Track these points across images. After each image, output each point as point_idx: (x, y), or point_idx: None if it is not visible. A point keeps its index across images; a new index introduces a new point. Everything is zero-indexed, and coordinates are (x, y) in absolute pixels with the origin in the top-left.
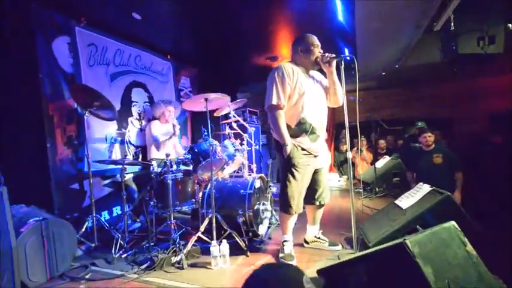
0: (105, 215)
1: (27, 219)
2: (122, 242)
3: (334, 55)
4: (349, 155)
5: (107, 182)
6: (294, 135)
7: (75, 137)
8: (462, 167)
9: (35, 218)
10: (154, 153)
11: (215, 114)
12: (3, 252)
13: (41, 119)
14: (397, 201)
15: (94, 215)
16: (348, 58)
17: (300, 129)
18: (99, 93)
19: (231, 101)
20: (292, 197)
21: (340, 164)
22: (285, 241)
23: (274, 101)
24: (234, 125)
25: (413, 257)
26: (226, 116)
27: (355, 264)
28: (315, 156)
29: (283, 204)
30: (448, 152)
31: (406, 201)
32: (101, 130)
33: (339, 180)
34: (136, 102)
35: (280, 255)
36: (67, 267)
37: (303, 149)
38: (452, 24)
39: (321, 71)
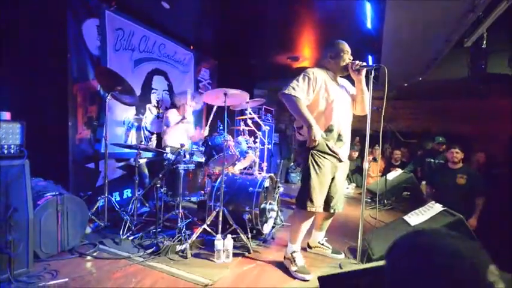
0: (116, 196)
1: (44, 193)
2: (130, 225)
3: (364, 63)
4: (366, 165)
5: (120, 164)
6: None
7: (95, 118)
8: (484, 193)
9: (52, 192)
10: (169, 141)
11: (232, 108)
12: (21, 222)
13: (65, 97)
14: (406, 217)
15: (106, 195)
16: (377, 68)
17: (328, 136)
18: (123, 77)
19: (249, 98)
20: (314, 191)
21: (351, 172)
22: (294, 252)
23: (290, 91)
24: (249, 122)
25: None
26: (242, 112)
27: (358, 276)
28: (340, 161)
29: (302, 198)
30: (474, 174)
31: (415, 218)
32: (120, 114)
33: (347, 188)
34: (156, 89)
35: (293, 268)
36: (77, 242)
37: (330, 149)
38: (484, 42)
39: (348, 77)
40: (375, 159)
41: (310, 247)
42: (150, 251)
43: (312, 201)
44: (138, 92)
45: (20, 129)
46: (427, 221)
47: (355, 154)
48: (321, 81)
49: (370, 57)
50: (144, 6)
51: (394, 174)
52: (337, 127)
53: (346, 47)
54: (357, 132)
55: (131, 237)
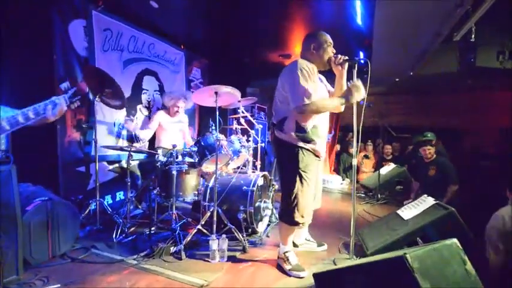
0: (108, 199)
1: (33, 198)
2: (123, 228)
3: (347, 57)
4: (355, 161)
5: (112, 167)
6: (308, 139)
7: (84, 121)
8: (455, 181)
9: (41, 197)
10: (161, 142)
11: (223, 107)
12: (10, 229)
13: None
14: (399, 211)
15: (98, 198)
16: (362, 62)
17: (314, 133)
18: (112, 79)
19: (241, 97)
20: (305, 207)
21: (348, 168)
22: (286, 252)
23: (306, 100)
24: (242, 121)
25: (412, 272)
26: (235, 111)
27: (352, 272)
28: (319, 160)
29: (290, 215)
30: (444, 164)
31: (408, 211)
32: (110, 116)
33: (341, 183)
34: (147, 90)
35: (287, 267)
36: (69, 247)
37: (315, 155)
38: (473, 35)
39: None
40: (366, 156)
41: (296, 245)
42: (144, 253)
43: (302, 216)
44: (128, 93)
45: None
46: (420, 215)
47: (352, 150)
48: (315, 76)
49: (361, 52)
50: (132, 6)
51: (387, 168)
52: (321, 124)
53: (329, 38)
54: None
55: (124, 240)
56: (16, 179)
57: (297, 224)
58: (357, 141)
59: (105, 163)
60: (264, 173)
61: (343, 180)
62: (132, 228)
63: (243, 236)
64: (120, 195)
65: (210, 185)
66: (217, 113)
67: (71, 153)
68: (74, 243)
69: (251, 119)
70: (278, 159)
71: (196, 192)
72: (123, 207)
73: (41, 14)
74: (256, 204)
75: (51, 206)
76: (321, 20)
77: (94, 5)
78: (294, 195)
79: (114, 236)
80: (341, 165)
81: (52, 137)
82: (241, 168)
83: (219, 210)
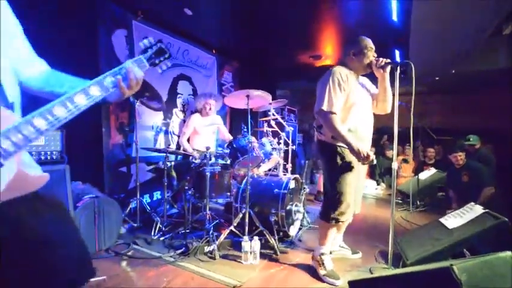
0: (146, 198)
1: (82, 196)
2: (160, 226)
3: (389, 60)
4: (395, 165)
5: (150, 167)
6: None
7: (126, 124)
8: (490, 183)
9: (89, 195)
10: (195, 144)
11: (254, 109)
12: None
13: (98, 105)
14: (442, 220)
15: (138, 197)
16: (404, 64)
17: (353, 134)
18: (150, 84)
19: (272, 99)
20: (345, 205)
21: (384, 172)
22: (322, 254)
23: (325, 107)
24: (273, 123)
25: (459, 285)
26: (265, 113)
27: (391, 282)
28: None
29: (331, 212)
30: (476, 168)
31: (453, 220)
32: (149, 119)
33: (376, 188)
34: (182, 94)
35: (322, 272)
36: (113, 242)
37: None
38: None
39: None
40: (405, 160)
41: (330, 252)
42: (180, 251)
43: (342, 212)
44: (164, 97)
45: (60, 136)
46: (467, 224)
47: (390, 153)
48: (351, 82)
49: (398, 51)
50: (168, 14)
51: (427, 173)
52: (359, 129)
53: (370, 43)
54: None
55: (162, 238)
56: (69, 178)
57: (337, 220)
58: (399, 145)
59: (144, 164)
60: (295, 175)
61: (378, 185)
62: (169, 227)
63: (274, 239)
64: (157, 195)
65: (242, 186)
66: (249, 115)
67: (115, 155)
68: (117, 238)
69: (282, 121)
70: (321, 159)
71: (229, 194)
72: (160, 206)
73: (87, 26)
74: (288, 207)
75: (98, 203)
76: (352, 19)
77: (134, 16)
78: (335, 193)
79: (152, 233)
80: (376, 169)
81: (98, 139)
82: (273, 171)
83: (251, 212)
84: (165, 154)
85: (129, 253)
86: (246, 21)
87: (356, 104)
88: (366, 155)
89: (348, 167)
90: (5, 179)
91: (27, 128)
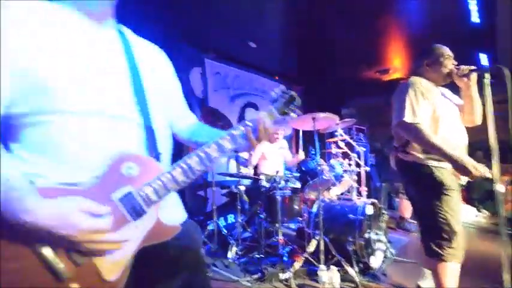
0: (221, 221)
1: None
2: (236, 249)
3: (473, 67)
4: (500, 188)
5: (224, 191)
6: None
7: None
8: None
9: None
10: (264, 169)
11: (321, 131)
12: None
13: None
14: None
15: (215, 220)
16: (493, 69)
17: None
18: (222, 114)
19: (338, 119)
20: (455, 236)
21: (485, 196)
22: None
23: (408, 118)
24: (341, 144)
25: None
26: (332, 134)
27: None
28: (461, 185)
29: (438, 249)
30: None
31: None
32: None
33: (476, 216)
34: None
35: None
36: None
37: (455, 175)
38: None
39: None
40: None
41: None
42: (255, 276)
43: (450, 247)
44: (234, 124)
45: None
46: None
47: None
48: (434, 93)
49: (485, 55)
50: (236, 49)
51: None
52: (451, 144)
53: (447, 50)
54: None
55: (237, 261)
56: None
57: (448, 259)
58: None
59: (219, 188)
60: (372, 200)
61: (478, 211)
62: (243, 250)
63: (355, 271)
64: (231, 218)
65: (314, 211)
66: (316, 138)
67: (194, 179)
68: None
69: (351, 141)
70: (408, 186)
71: (300, 219)
72: (234, 229)
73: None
74: (366, 235)
75: (183, 225)
76: (424, 25)
77: (206, 54)
78: (438, 225)
79: (229, 256)
80: (474, 193)
81: None
82: (346, 195)
83: (326, 239)
84: (237, 178)
85: (210, 274)
86: (306, 45)
87: (443, 116)
88: (473, 166)
89: (448, 189)
90: (147, 227)
91: (167, 177)
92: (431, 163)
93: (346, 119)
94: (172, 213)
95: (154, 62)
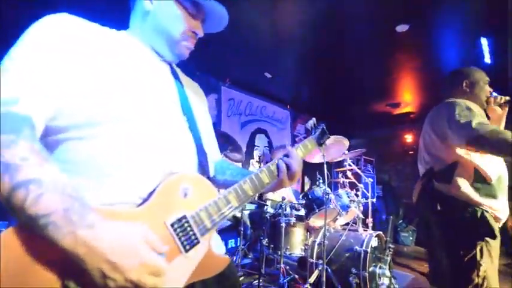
0: None
1: None
2: None
3: (509, 98)
4: None
5: None
6: (493, 194)
7: None
8: None
9: None
10: (269, 194)
11: (330, 161)
12: None
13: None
14: None
15: None
16: None
17: (499, 187)
18: (233, 138)
19: (347, 149)
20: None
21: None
22: None
23: (475, 124)
24: (349, 174)
25: None
26: (340, 164)
27: None
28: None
29: None
30: None
31: None
32: None
33: None
34: (258, 146)
35: None
36: None
37: (496, 219)
38: None
39: None
40: None
41: None
42: None
43: None
44: (244, 149)
45: None
46: None
47: None
48: (483, 115)
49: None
50: (251, 78)
51: None
52: (504, 177)
53: (485, 76)
54: None
55: None
56: None
57: None
58: None
59: None
60: (378, 232)
61: None
62: (242, 277)
63: None
64: (231, 243)
65: (318, 240)
66: (325, 166)
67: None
68: None
69: (359, 171)
70: (438, 224)
71: (303, 247)
72: (235, 255)
73: None
74: (371, 268)
75: None
76: (435, 65)
77: (223, 82)
78: (476, 281)
79: None
80: None
81: None
82: (351, 225)
83: (328, 269)
84: None
85: None
86: (319, 74)
87: None
88: None
89: (494, 239)
90: (198, 258)
91: (223, 202)
92: (481, 201)
93: (355, 150)
94: (218, 240)
95: (198, 97)
